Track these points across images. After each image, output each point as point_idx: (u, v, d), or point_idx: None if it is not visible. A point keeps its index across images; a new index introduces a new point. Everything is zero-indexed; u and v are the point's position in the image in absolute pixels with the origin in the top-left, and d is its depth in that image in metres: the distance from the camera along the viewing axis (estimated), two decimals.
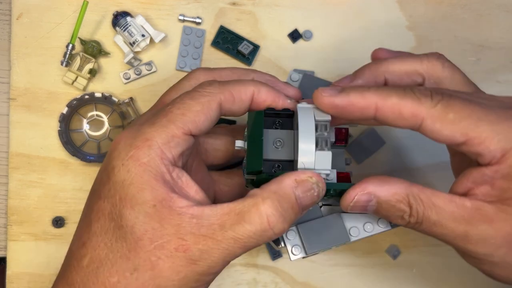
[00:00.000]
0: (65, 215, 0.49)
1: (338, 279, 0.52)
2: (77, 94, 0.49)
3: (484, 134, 0.33)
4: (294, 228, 0.39)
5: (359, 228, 0.40)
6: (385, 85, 0.39)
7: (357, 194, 0.35)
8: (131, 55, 0.48)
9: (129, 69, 0.50)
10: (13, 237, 0.49)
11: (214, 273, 0.34)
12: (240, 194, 0.41)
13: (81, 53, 0.48)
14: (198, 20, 0.50)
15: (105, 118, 0.49)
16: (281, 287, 0.51)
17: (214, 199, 0.42)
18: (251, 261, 0.51)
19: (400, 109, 0.34)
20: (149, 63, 0.50)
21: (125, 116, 0.49)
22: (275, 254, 0.51)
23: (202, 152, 0.41)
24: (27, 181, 0.49)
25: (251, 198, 0.33)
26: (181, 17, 0.50)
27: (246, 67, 0.50)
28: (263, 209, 0.32)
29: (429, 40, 0.51)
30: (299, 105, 0.37)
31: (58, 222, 0.49)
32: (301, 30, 0.51)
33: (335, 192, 0.36)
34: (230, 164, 0.44)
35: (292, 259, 0.39)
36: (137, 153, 0.33)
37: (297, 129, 0.36)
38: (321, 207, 0.40)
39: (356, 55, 0.51)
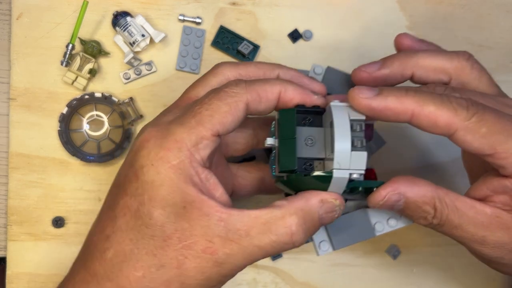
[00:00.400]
0: (65, 215, 0.49)
1: (338, 279, 0.52)
2: (77, 94, 0.49)
3: (511, 150, 0.34)
4: None
5: (383, 223, 0.40)
6: (412, 79, 0.40)
7: (388, 193, 0.36)
8: (131, 55, 0.48)
9: (129, 69, 0.50)
10: (13, 237, 0.49)
11: (234, 275, 0.35)
12: (257, 189, 0.42)
13: (81, 53, 0.48)
14: (198, 20, 0.50)
15: (105, 118, 0.49)
16: (281, 287, 0.51)
17: (232, 192, 0.43)
18: None
19: (436, 118, 0.34)
20: (149, 63, 0.50)
21: (125, 116, 0.49)
22: (275, 255, 0.51)
23: (222, 145, 0.41)
24: (27, 181, 0.49)
25: (278, 210, 0.34)
26: (181, 17, 0.50)
27: None
28: (289, 224, 0.34)
29: (429, 40, 0.51)
30: (332, 103, 0.36)
31: (58, 222, 0.49)
32: (301, 30, 0.51)
33: (363, 189, 0.37)
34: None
35: (319, 254, 0.40)
36: (167, 155, 0.34)
37: (329, 127, 0.36)
38: (346, 201, 0.39)
39: (356, 55, 0.51)
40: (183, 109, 0.37)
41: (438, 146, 0.51)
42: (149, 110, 0.50)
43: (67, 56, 0.47)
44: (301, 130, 0.37)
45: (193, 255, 0.33)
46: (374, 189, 0.37)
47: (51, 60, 0.49)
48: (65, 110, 0.48)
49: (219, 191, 0.35)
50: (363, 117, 0.36)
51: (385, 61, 0.40)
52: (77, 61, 0.48)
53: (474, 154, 0.35)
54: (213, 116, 0.35)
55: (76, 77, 0.48)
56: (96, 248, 0.36)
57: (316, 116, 0.38)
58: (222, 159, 0.41)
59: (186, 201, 0.33)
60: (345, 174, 0.35)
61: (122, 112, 0.49)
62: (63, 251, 0.49)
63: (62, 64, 0.47)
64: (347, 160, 0.35)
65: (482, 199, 0.37)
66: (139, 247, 0.34)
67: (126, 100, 0.49)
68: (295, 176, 0.36)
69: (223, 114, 0.35)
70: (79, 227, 0.49)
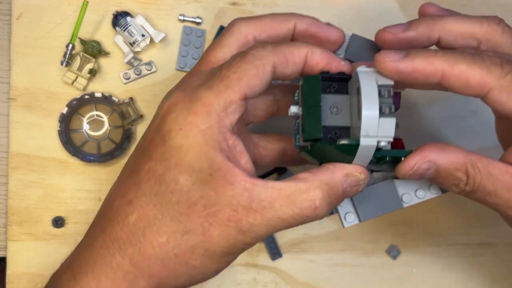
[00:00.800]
0: (65, 215, 0.49)
1: (338, 279, 0.52)
2: (77, 94, 0.49)
3: None
4: None
5: (411, 195, 0.39)
6: (439, 44, 0.38)
7: (418, 162, 0.35)
8: (131, 55, 0.48)
9: (129, 69, 0.50)
10: (13, 237, 0.49)
11: (255, 243, 0.35)
12: (279, 160, 0.42)
13: (81, 53, 0.48)
14: (198, 20, 0.50)
15: (105, 118, 0.49)
16: (281, 287, 0.51)
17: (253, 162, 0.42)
18: (251, 261, 0.51)
19: (468, 77, 0.33)
20: (149, 63, 0.50)
21: (125, 116, 0.49)
22: (275, 254, 0.51)
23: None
24: (27, 181, 0.49)
25: (303, 184, 0.34)
26: (181, 17, 0.50)
27: None
28: (313, 198, 0.34)
29: None
30: (359, 68, 0.35)
31: (58, 222, 0.49)
32: None
33: (390, 159, 0.35)
34: None
35: (345, 226, 0.39)
36: (195, 119, 0.33)
37: (355, 94, 0.35)
38: (371, 173, 0.39)
39: None
40: (208, 73, 0.36)
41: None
42: (149, 110, 0.50)
43: (67, 56, 0.47)
44: (326, 98, 0.36)
45: (218, 222, 0.33)
46: (402, 158, 0.35)
47: (51, 60, 0.49)
48: (65, 110, 0.48)
49: (245, 159, 0.35)
50: (391, 82, 0.34)
51: (410, 23, 0.38)
52: (77, 61, 0.48)
53: (509, 116, 0.34)
54: (241, 79, 0.34)
55: (76, 77, 0.48)
56: (118, 213, 0.35)
57: (341, 83, 0.37)
58: (244, 127, 0.41)
59: (213, 168, 0.33)
60: (372, 142, 0.34)
61: (122, 112, 0.49)
62: (63, 251, 0.49)
63: (62, 64, 0.48)
64: (375, 127, 0.33)
65: None
66: (163, 213, 0.33)
67: (126, 100, 0.49)
68: (320, 145, 0.35)
69: (251, 77, 0.34)
70: (79, 227, 0.49)
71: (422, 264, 0.52)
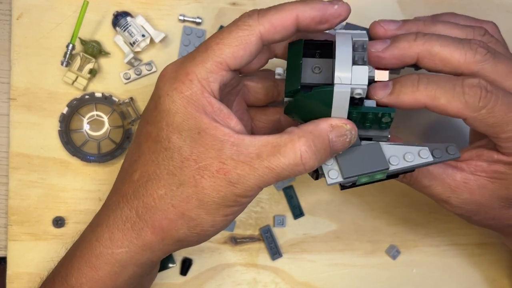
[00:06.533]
0: (65, 215, 0.49)
1: (338, 279, 0.52)
2: (77, 94, 0.49)
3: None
4: None
5: (399, 158, 0.38)
6: (417, 63, 0.39)
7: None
8: (131, 55, 0.48)
9: (129, 69, 0.50)
10: (14, 237, 0.49)
11: (249, 196, 0.37)
12: (275, 130, 0.43)
13: (81, 53, 0.48)
14: (198, 20, 0.50)
15: (105, 118, 0.49)
16: (281, 287, 0.51)
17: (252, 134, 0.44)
18: (251, 261, 0.51)
19: (447, 109, 0.37)
20: (149, 63, 0.50)
21: (125, 116, 0.49)
22: (275, 254, 0.51)
23: (245, 92, 0.43)
24: (27, 181, 0.49)
25: (287, 134, 0.36)
26: (181, 17, 0.50)
27: None
28: (298, 146, 0.35)
29: None
30: (337, 30, 0.37)
31: (58, 222, 0.49)
32: None
33: (373, 116, 0.37)
34: None
35: (328, 183, 0.38)
36: (180, 86, 0.36)
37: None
38: (361, 140, 0.39)
39: None
40: (197, 47, 0.38)
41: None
42: None
43: (67, 56, 0.47)
44: (309, 61, 0.38)
45: (209, 175, 0.35)
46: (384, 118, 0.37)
47: (51, 60, 0.49)
48: (65, 110, 0.48)
49: (234, 120, 0.37)
50: (366, 38, 0.37)
51: (404, 24, 0.41)
52: (77, 61, 0.48)
53: (481, 133, 0.39)
54: (223, 50, 0.36)
55: (77, 77, 0.48)
56: (127, 172, 0.39)
57: (327, 50, 0.38)
58: (242, 103, 0.43)
59: (200, 128, 0.36)
60: (346, 88, 0.35)
61: (122, 112, 0.49)
62: (63, 251, 0.49)
63: (62, 64, 0.48)
64: (348, 74, 0.35)
65: (466, 160, 0.41)
66: (160, 168, 0.37)
67: (126, 100, 0.49)
68: (300, 96, 0.37)
69: (234, 48, 0.36)
70: (79, 227, 0.49)
71: (422, 264, 0.52)
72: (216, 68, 0.36)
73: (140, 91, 0.50)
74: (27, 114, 0.49)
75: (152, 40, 0.49)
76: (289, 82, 0.37)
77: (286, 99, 0.38)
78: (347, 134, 0.37)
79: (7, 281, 0.49)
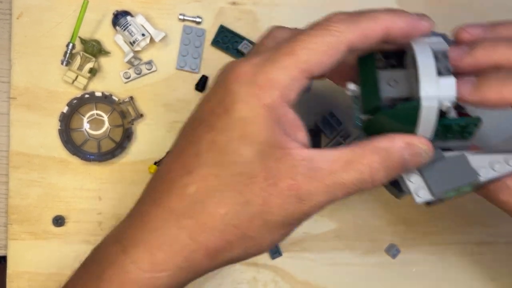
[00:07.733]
0: (65, 214, 0.49)
1: (338, 279, 0.52)
2: (77, 93, 0.49)
3: None
4: (416, 171, 0.36)
5: (487, 167, 0.36)
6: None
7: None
8: (131, 54, 0.48)
9: (129, 68, 0.50)
10: (14, 236, 0.49)
11: (313, 214, 0.34)
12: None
13: (81, 53, 0.48)
14: (198, 20, 0.50)
15: (105, 117, 0.49)
16: (281, 286, 0.51)
17: None
18: (251, 260, 0.51)
19: None
20: (149, 62, 0.50)
21: (125, 115, 0.49)
22: (275, 253, 0.51)
23: None
24: (27, 180, 0.49)
25: (360, 149, 0.34)
26: (181, 17, 0.50)
27: None
28: (370, 161, 0.33)
29: None
30: (411, 40, 0.34)
31: (59, 221, 0.49)
32: None
33: (458, 128, 0.34)
34: None
35: (417, 201, 0.36)
36: (259, 93, 0.33)
37: (412, 66, 0.34)
38: (442, 151, 0.37)
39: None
40: (276, 46, 0.35)
41: None
42: (150, 109, 0.50)
43: (67, 55, 0.47)
44: (383, 74, 0.35)
45: (278, 192, 0.32)
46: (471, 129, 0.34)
47: (51, 60, 0.49)
48: (65, 109, 0.48)
49: (302, 133, 0.34)
50: (447, 46, 0.34)
51: (493, 28, 0.37)
52: (77, 61, 0.48)
53: None
54: (310, 55, 0.33)
55: (77, 76, 0.48)
56: (174, 184, 0.34)
57: (398, 59, 0.36)
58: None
59: (273, 141, 0.33)
60: (433, 102, 0.32)
61: (122, 111, 0.49)
62: (63, 250, 0.49)
63: (62, 63, 0.48)
64: (434, 86, 0.32)
65: None
66: (224, 184, 0.33)
67: (126, 99, 0.49)
68: (381, 114, 0.34)
69: (321, 54, 0.33)
70: (79, 226, 0.49)
71: (422, 263, 0.52)
72: (299, 75, 0.33)
73: (140, 90, 0.50)
74: (27, 113, 0.49)
75: (152, 39, 0.49)
76: (367, 99, 0.34)
77: (364, 116, 0.35)
78: (421, 154, 0.34)
79: (7, 280, 0.49)
